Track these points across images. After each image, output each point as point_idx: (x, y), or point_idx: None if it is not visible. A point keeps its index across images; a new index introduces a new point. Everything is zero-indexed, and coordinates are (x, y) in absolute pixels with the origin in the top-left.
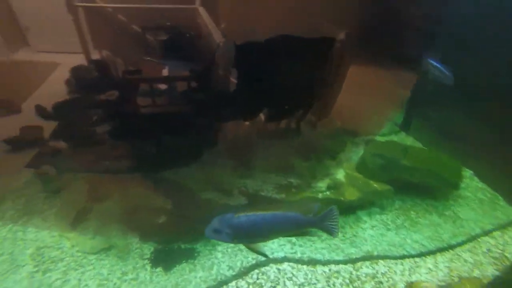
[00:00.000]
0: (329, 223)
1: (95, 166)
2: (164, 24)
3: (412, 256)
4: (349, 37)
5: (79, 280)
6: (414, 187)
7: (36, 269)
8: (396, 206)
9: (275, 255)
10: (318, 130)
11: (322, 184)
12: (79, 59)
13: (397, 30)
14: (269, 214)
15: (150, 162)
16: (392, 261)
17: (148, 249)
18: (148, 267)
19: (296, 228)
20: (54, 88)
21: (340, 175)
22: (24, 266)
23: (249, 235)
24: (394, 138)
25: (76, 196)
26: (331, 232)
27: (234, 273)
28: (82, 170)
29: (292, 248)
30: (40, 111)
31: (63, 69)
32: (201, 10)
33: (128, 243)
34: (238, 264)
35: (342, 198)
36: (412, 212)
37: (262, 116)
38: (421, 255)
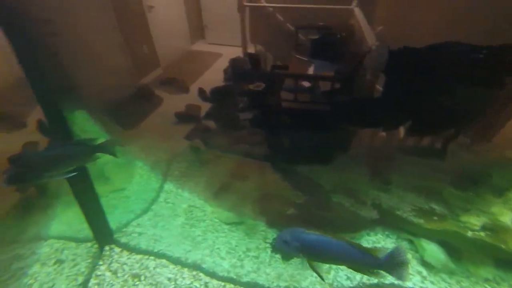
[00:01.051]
0: (398, 265)
1: (235, 148)
2: (316, 24)
3: None
4: None
5: (213, 242)
6: None
7: (186, 221)
8: None
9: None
10: (478, 156)
11: (476, 221)
12: (238, 52)
13: None
14: (336, 240)
15: (283, 154)
16: None
17: (271, 234)
18: (268, 250)
19: (358, 263)
20: (215, 75)
21: (506, 217)
22: (179, 216)
23: (314, 254)
24: None
25: (221, 170)
26: (400, 277)
27: (351, 285)
28: (224, 149)
29: (423, 282)
30: (201, 93)
31: (224, 59)
32: (357, 11)
33: (256, 223)
34: (358, 277)
35: (503, 246)
36: None
37: (401, 129)
38: None
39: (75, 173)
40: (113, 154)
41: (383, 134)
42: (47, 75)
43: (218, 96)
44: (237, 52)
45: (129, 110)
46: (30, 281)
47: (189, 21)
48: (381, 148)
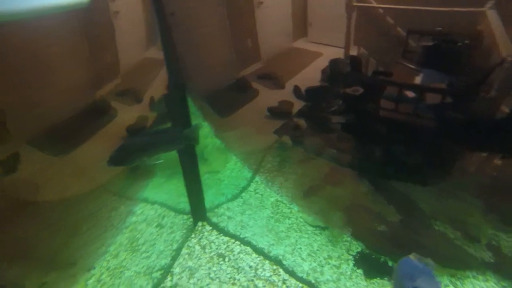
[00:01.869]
0: None
1: (323, 151)
2: (433, 29)
3: None
4: None
5: (296, 241)
6: None
7: (272, 215)
8: None
9: None
10: None
11: None
12: (339, 53)
13: None
14: None
15: (372, 165)
16: None
17: (355, 246)
18: (351, 263)
19: None
20: (311, 74)
21: None
22: (266, 208)
23: None
24: None
25: (313, 172)
26: None
27: None
28: (310, 149)
29: None
30: (296, 91)
31: (323, 59)
32: (491, 14)
33: (341, 232)
34: None
35: None
36: None
37: None
38: None
39: (161, 161)
40: (196, 141)
41: (499, 161)
42: (178, 61)
43: (312, 95)
44: (338, 53)
45: (226, 99)
46: (138, 236)
47: (293, 18)
48: (502, 179)
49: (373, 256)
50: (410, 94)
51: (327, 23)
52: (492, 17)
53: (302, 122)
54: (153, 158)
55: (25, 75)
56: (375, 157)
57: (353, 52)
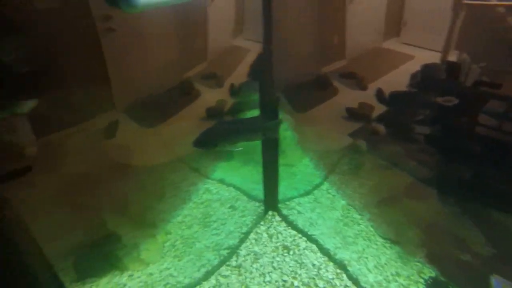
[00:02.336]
0: None
1: (402, 162)
2: None
3: None
4: None
5: (363, 249)
6: None
7: (341, 218)
8: None
9: None
10: None
11: None
12: (434, 57)
13: None
14: None
15: (457, 186)
16: None
17: (429, 270)
18: (421, 286)
19: None
20: (399, 78)
21: None
22: (336, 210)
23: None
24: None
25: (392, 182)
26: None
27: None
28: (386, 158)
29: None
30: (379, 94)
31: (414, 63)
32: None
33: (415, 251)
34: None
35: None
36: None
37: None
38: None
39: (241, 148)
40: (275, 136)
41: None
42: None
43: (397, 100)
44: (433, 58)
45: (304, 94)
46: (211, 213)
47: (387, 15)
48: None
49: (449, 286)
50: None
51: (424, 23)
52: None
53: (381, 128)
54: (234, 145)
55: (131, 51)
56: (462, 177)
57: (452, 58)
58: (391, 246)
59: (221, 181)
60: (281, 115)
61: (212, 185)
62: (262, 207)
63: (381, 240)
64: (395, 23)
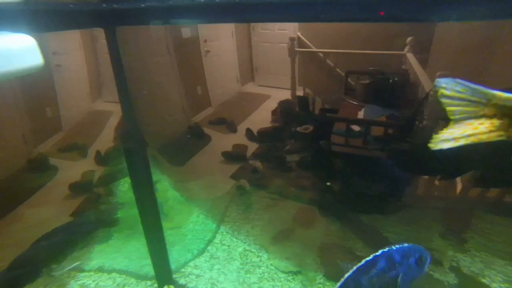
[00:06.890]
0: None
1: (286, 191)
2: (367, 69)
3: None
4: None
5: None
6: None
7: (242, 266)
8: None
9: None
10: None
11: None
12: (286, 94)
13: None
14: None
15: (332, 199)
16: None
17: (329, 287)
18: None
19: None
20: (262, 116)
21: None
22: (235, 260)
23: None
24: None
25: (282, 215)
26: None
27: None
28: (270, 190)
29: None
30: (248, 133)
31: (272, 101)
32: (410, 56)
33: (314, 276)
34: None
35: None
36: None
37: (459, 179)
38: None
39: None
40: None
41: (437, 183)
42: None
43: (265, 136)
44: (286, 95)
45: (179, 148)
46: None
47: (240, 64)
48: (455, 202)
49: None
50: (356, 128)
51: (271, 67)
52: (411, 58)
53: (258, 164)
54: None
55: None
56: (335, 191)
57: (299, 92)
58: (293, 277)
59: (100, 269)
60: (158, 177)
61: (88, 279)
62: (155, 285)
63: (283, 275)
64: (248, 70)
